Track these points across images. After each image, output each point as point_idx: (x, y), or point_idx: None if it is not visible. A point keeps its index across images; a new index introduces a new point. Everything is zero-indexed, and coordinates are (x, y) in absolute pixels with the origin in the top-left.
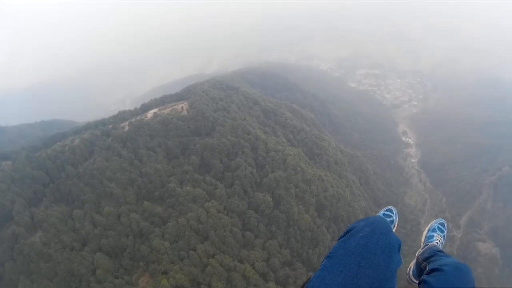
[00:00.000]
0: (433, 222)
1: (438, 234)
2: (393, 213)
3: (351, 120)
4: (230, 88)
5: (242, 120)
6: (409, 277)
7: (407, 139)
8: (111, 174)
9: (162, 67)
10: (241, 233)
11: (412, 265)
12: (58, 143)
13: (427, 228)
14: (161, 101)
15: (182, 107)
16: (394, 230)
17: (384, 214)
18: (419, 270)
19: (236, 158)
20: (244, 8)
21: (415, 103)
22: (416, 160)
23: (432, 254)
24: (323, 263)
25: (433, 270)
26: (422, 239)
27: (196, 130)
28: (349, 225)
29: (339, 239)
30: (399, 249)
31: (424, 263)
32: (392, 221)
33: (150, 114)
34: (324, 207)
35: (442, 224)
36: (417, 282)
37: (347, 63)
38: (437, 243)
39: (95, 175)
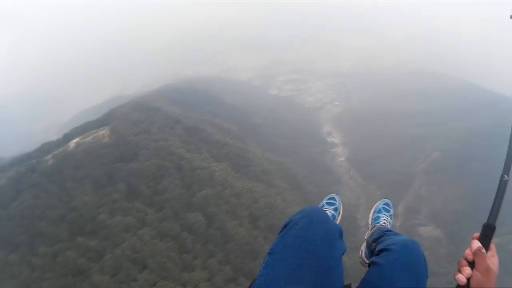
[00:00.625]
0: (377, 203)
1: (384, 214)
2: (336, 201)
3: (275, 127)
4: (151, 109)
5: (165, 141)
6: (362, 259)
7: (333, 139)
8: (40, 212)
9: (84, 91)
10: (179, 257)
11: (363, 247)
12: None
13: (372, 210)
14: (83, 129)
15: (103, 134)
16: (340, 217)
17: (327, 202)
18: (370, 252)
19: (163, 181)
20: (161, 24)
21: (337, 103)
22: (344, 158)
23: (381, 234)
24: (265, 261)
25: (381, 251)
26: (369, 221)
27: (120, 156)
28: (286, 220)
29: (278, 235)
30: (340, 236)
31: (374, 244)
32: (336, 208)
33: (72, 144)
34: (258, 218)
35: (386, 204)
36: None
37: (267, 71)
38: (385, 223)
39: (25, 215)
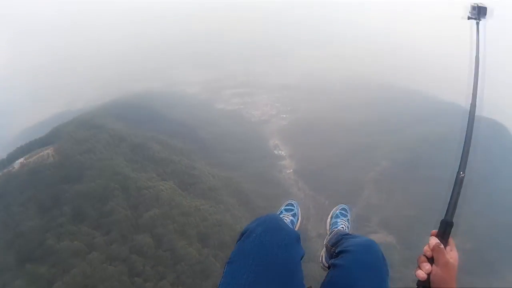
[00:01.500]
0: (334, 209)
1: (342, 219)
2: (294, 206)
3: (222, 142)
4: (96, 126)
5: (110, 161)
6: (323, 264)
7: (280, 151)
8: None
9: (30, 107)
10: (130, 280)
11: (323, 253)
12: None
13: (329, 216)
14: (28, 148)
15: (48, 153)
16: (298, 222)
17: (285, 209)
18: (330, 256)
19: (109, 202)
20: (108, 38)
21: (284, 116)
22: (291, 170)
23: (339, 238)
24: (224, 270)
25: (340, 252)
26: (327, 227)
27: (65, 177)
28: (242, 229)
29: (236, 244)
30: (297, 241)
31: (333, 248)
32: (295, 214)
33: (17, 164)
34: (207, 237)
35: (343, 209)
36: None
37: (213, 85)
38: (343, 227)
39: None
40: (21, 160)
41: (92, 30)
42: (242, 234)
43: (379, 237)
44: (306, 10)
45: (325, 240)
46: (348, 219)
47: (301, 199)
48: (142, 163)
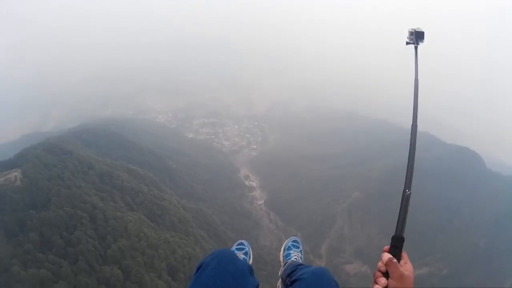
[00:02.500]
0: (286, 241)
1: (295, 251)
2: (245, 245)
3: (191, 172)
4: (64, 151)
5: (77, 188)
6: None
7: (251, 182)
8: None
9: None
10: None
11: (279, 284)
12: None
13: (282, 248)
14: None
15: (16, 176)
16: (250, 260)
17: (237, 248)
18: (286, 286)
19: (76, 231)
20: (80, 60)
21: (254, 147)
22: (262, 201)
23: (293, 268)
24: None
25: (294, 281)
26: (281, 259)
27: (32, 202)
28: (198, 263)
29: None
30: (250, 272)
31: (288, 279)
32: (246, 253)
33: None
34: (177, 269)
35: (295, 241)
36: None
37: (183, 114)
38: (296, 258)
39: None
40: None
41: (65, 51)
42: (199, 268)
43: (354, 267)
44: (266, 41)
45: (280, 272)
46: (300, 250)
47: (273, 230)
48: (110, 192)
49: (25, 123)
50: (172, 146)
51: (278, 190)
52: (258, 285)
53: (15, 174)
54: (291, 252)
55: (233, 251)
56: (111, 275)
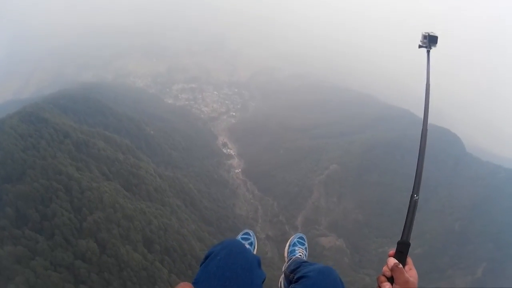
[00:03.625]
0: (292, 237)
1: (300, 248)
2: (251, 236)
3: (169, 139)
4: (40, 120)
5: (53, 159)
6: None
7: (228, 150)
8: None
9: None
10: None
11: (281, 279)
12: None
13: (287, 244)
14: None
15: None
16: (255, 251)
17: (242, 237)
18: (289, 282)
19: (52, 204)
20: (60, 23)
21: (233, 114)
22: (240, 170)
23: (298, 265)
24: None
25: (299, 278)
26: (286, 254)
27: (7, 175)
28: (206, 252)
29: (200, 266)
30: (259, 264)
31: (292, 274)
32: (251, 243)
33: None
34: (153, 241)
35: (301, 238)
36: None
37: (163, 79)
38: (300, 255)
39: None
40: None
41: (44, 14)
42: (207, 257)
43: (329, 240)
44: (255, 9)
45: (283, 267)
46: (305, 247)
47: (249, 200)
48: (86, 161)
49: (5, 88)
50: (151, 112)
51: (256, 159)
52: (265, 279)
53: None
54: (296, 248)
55: (238, 239)
56: (87, 249)
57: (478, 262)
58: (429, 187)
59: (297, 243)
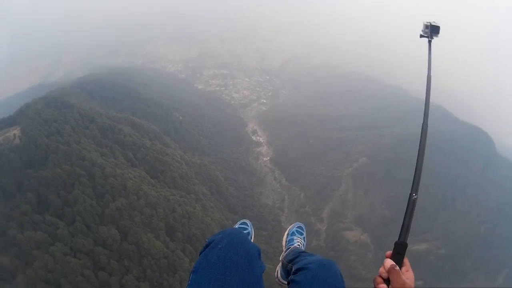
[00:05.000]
0: (291, 226)
1: (298, 237)
2: (248, 226)
3: (198, 124)
4: (66, 105)
5: (77, 144)
6: (278, 279)
7: (258, 137)
8: None
9: (7, 76)
10: (94, 274)
11: (278, 268)
12: None
13: (286, 233)
14: None
15: (14, 134)
16: (252, 241)
17: (239, 227)
18: (286, 272)
19: (74, 190)
20: (90, 7)
21: (264, 101)
22: (268, 158)
23: (296, 255)
24: (189, 279)
25: (298, 270)
26: (283, 243)
27: (29, 161)
28: (207, 240)
29: (200, 254)
30: (259, 256)
31: (290, 264)
32: (248, 233)
33: None
34: (175, 229)
35: (300, 227)
36: (286, 282)
37: (194, 64)
38: (299, 245)
39: None
40: None
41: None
42: (207, 245)
43: (354, 235)
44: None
45: (281, 256)
46: (304, 237)
47: (277, 189)
48: (111, 147)
49: (35, 72)
50: (180, 97)
51: (284, 148)
52: (264, 270)
53: (14, 132)
54: (295, 238)
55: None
56: (108, 236)
57: (501, 268)
58: (457, 186)
59: (295, 233)
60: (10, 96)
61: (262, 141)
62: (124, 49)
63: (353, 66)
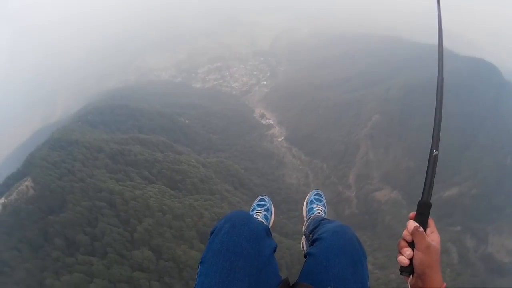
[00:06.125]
0: (309, 195)
1: (318, 205)
2: (266, 201)
3: (205, 123)
4: (70, 143)
5: (90, 178)
6: (304, 252)
7: (267, 120)
8: None
9: (7, 132)
10: None
11: (303, 240)
12: None
13: (305, 203)
14: (6, 185)
15: (27, 186)
16: (272, 216)
17: (258, 204)
18: (310, 243)
19: (99, 224)
20: (68, 45)
21: (265, 83)
22: (282, 138)
23: (316, 224)
24: (198, 271)
25: (314, 241)
26: (304, 214)
27: (49, 208)
28: (211, 229)
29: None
30: (267, 234)
31: (311, 235)
32: (267, 209)
33: None
34: (207, 234)
35: (318, 194)
36: None
37: (187, 65)
38: (319, 212)
39: None
40: (2, 200)
41: (54, 33)
42: (211, 233)
43: (384, 194)
44: None
45: (303, 227)
46: (323, 204)
47: (298, 166)
48: (125, 170)
49: (33, 118)
50: (181, 102)
51: (296, 124)
52: (275, 248)
53: (26, 184)
54: (314, 206)
55: (254, 208)
56: (143, 259)
57: None
58: (474, 123)
59: (314, 201)
60: (17, 148)
61: (272, 122)
62: (113, 71)
63: (344, 27)
